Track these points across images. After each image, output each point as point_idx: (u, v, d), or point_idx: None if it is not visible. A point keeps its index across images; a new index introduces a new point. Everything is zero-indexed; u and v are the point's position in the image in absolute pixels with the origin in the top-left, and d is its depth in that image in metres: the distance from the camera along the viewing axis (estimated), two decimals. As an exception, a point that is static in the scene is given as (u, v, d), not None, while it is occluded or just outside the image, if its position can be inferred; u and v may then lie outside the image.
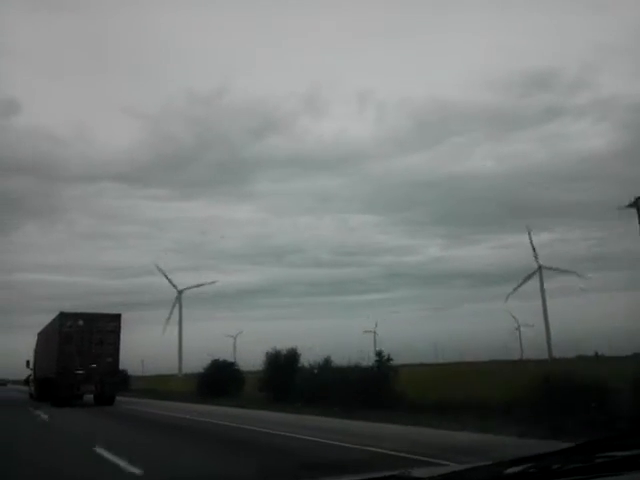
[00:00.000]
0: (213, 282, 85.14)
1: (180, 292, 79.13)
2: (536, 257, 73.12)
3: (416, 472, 1.69)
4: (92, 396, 28.48)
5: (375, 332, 68.36)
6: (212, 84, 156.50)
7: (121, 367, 31.68)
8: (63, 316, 28.07)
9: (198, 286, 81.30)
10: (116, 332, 28.10)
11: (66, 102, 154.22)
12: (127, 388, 43.34)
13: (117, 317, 28.73)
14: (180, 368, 72.85)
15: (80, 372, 27.07)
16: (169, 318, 78.58)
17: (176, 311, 78.52)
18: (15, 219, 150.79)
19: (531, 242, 73.69)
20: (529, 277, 73.92)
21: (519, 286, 75.83)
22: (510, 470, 1.70)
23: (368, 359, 22.43)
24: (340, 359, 24.42)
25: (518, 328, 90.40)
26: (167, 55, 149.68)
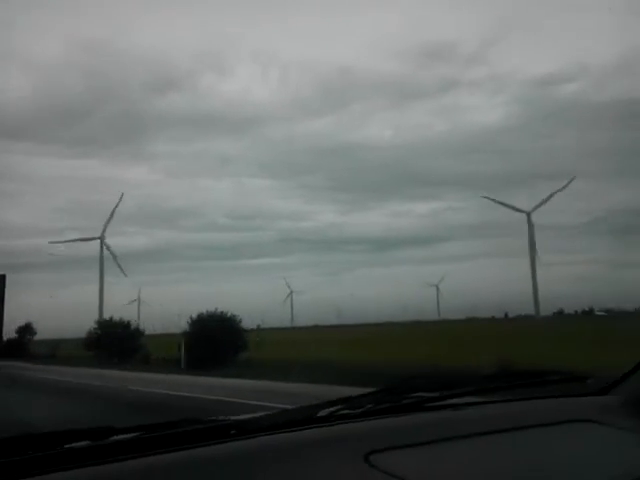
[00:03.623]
0: (93, 239, 76.82)
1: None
2: (516, 209, 71.31)
3: (233, 418, 1.73)
4: None
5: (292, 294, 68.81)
6: (109, 35, 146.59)
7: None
8: None
9: (74, 241, 76.25)
10: None
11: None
12: (25, 354, 41.97)
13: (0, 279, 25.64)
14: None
15: None
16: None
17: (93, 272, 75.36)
18: None
19: (510, 207, 72.22)
20: (531, 229, 71.57)
21: (532, 240, 72.43)
22: (323, 411, 1.78)
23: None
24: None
25: (438, 290, 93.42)
26: (61, 2, 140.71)
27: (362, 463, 1.46)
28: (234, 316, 29.99)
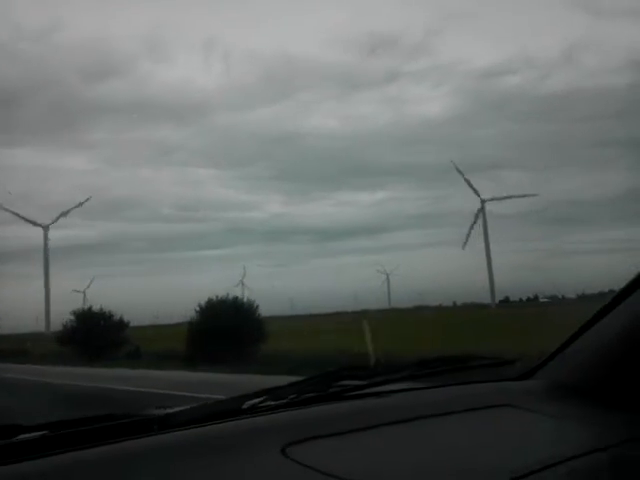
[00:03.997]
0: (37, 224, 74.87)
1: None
2: (479, 196, 71.58)
3: (157, 411, 1.69)
4: None
5: (244, 284, 68.53)
6: (43, 20, 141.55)
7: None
8: None
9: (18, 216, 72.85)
10: None
11: None
12: None
13: None
14: (48, 325, 67.03)
15: None
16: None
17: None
18: None
19: (469, 184, 72.32)
20: (477, 217, 72.49)
21: (471, 228, 73.51)
22: (247, 403, 1.75)
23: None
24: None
25: (388, 279, 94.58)
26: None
27: (279, 455, 1.43)
28: (250, 302, 26.79)
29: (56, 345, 31.46)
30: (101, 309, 31.96)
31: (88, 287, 76.79)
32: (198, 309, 26.40)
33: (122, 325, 31.47)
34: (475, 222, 73.51)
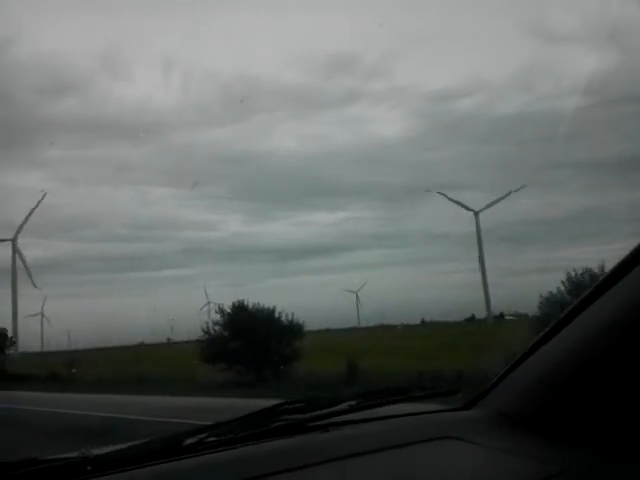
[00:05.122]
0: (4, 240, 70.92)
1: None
2: (468, 208, 70.57)
3: (94, 451, 1.64)
4: None
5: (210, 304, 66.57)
6: None
7: None
8: None
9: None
10: None
11: None
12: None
13: None
14: (16, 347, 63.70)
15: None
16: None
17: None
18: None
19: (456, 201, 70.85)
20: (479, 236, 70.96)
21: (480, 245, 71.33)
22: (188, 440, 1.73)
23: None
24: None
25: (357, 298, 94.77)
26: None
27: None
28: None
29: (200, 362, 21.64)
30: (258, 303, 22.10)
31: (43, 306, 73.18)
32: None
33: (296, 328, 21.68)
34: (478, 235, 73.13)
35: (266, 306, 21.94)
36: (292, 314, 21.79)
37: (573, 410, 1.82)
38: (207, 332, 22.34)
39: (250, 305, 21.97)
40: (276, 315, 21.83)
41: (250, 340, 19.64)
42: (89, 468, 1.48)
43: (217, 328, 22.32)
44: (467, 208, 71.54)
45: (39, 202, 64.88)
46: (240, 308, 21.77)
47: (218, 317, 22.46)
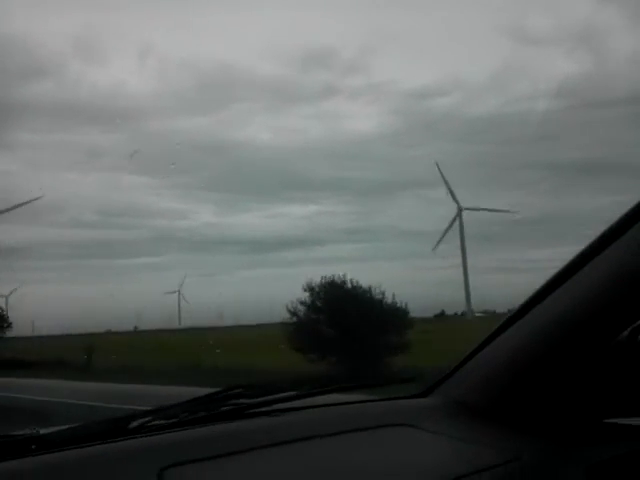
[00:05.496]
0: None
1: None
2: (457, 201, 69.59)
3: (41, 431, 1.60)
4: None
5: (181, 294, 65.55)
6: None
7: None
8: None
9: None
10: None
11: None
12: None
13: None
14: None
15: None
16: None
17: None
18: None
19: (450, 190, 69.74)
20: (452, 223, 70.28)
21: (444, 234, 70.96)
22: (134, 422, 1.69)
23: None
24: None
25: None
26: None
27: (154, 479, 1.38)
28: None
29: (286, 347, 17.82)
30: (353, 279, 17.79)
31: (11, 294, 71.11)
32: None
33: (401, 313, 17.41)
34: (449, 228, 73.24)
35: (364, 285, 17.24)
36: (393, 295, 17.19)
37: (527, 399, 1.84)
38: (294, 313, 17.87)
39: (348, 283, 17.02)
40: (377, 296, 16.98)
41: (349, 326, 15.32)
42: (34, 447, 1.46)
43: (302, 309, 17.87)
44: (458, 203, 71.83)
45: (30, 201, 63.37)
46: (334, 285, 17.19)
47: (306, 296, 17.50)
